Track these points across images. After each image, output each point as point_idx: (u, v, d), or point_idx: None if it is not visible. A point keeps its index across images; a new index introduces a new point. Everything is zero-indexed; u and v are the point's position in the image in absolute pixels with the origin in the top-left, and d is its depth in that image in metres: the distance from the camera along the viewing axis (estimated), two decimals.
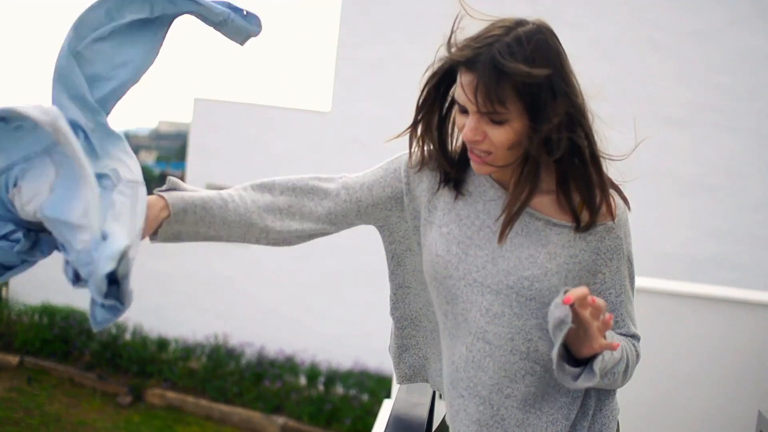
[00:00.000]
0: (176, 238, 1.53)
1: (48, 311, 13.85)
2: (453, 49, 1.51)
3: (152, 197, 1.47)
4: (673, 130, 10.78)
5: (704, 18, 10.65)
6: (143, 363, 12.90)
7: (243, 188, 1.75)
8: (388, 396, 4.41)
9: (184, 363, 12.84)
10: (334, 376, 11.98)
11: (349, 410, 11.39)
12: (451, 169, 1.63)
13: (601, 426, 1.66)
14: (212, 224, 1.56)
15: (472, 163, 1.54)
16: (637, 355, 1.65)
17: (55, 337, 13.49)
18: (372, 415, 11.01)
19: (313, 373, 12.05)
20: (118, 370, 13.09)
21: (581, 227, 1.55)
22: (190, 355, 12.95)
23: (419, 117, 1.64)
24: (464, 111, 1.48)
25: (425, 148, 1.67)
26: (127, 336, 13.51)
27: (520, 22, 1.50)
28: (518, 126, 1.44)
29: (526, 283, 1.54)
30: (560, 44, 1.52)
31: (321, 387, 12.02)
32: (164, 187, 1.53)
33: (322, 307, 12.81)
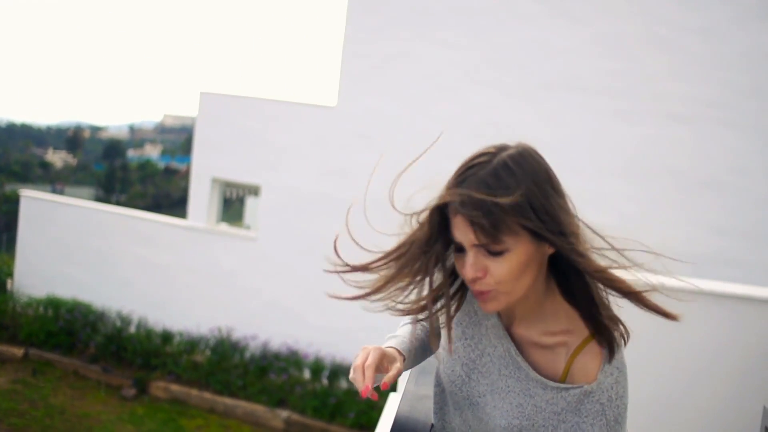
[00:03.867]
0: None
1: (53, 304, 13.89)
2: (440, 196, 1.46)
3: (392, 350, 1.67)
4: (677, 127, 10.78)
5: (709, 15, 10.65)
6: (147, 356, 12.93)
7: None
8: (394, 389, 4.43)
9: (188, 356, 12.87)
10: (338, 370, 12.00)
11: (352, 404, 11.41)
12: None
13: None
14: (421, 349, 1.81)
15: (480, 303, 1.48)
16: None
17: (60, 329, 13.52)
18: (376, 409, 11.03)
19: (317, 367, 12.07)
20: (123, 362, 13.13)
21: (558, 386, 1.52)
22: (194, 348, 12.97)
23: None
24: (461, 250, 1.45)
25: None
26: (132, 329, 13.55)
27: (502, 147, 1.45)
28: (521, 253, 1.40)
29: (515, 430, 1.54)
30: (546, 163, 1.46)
31: (325, 381, 12.04)
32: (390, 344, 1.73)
33: (327, 301, 12.82)
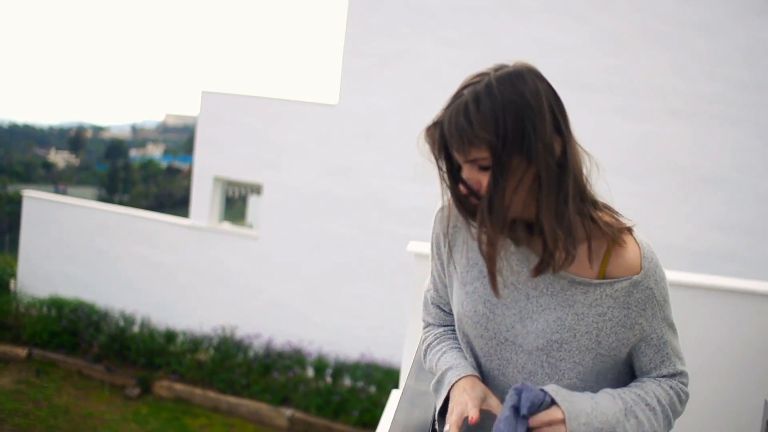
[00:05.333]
0: None
1: (56, 304, 13.89)
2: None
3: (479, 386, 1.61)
4: (677, 123, 10.78)
5: (709, 11, 10.64)
6: (151, 355, 12.94)
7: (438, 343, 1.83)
8: (396, 387, 4.44)
9: (191, 355, 12.88)
10: (341, 368, 12.00)
11: (356, 402, 11.41)
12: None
13: None
14: None
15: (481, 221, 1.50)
16: (679, 396, 1.63)
17: (64, 329, 13.53)
18: (380, 406, 11.04)
19: (320, 365, 12.07)
20: (126, 362, 13.14)
21: (605, 282, 1.54)
22: (197, 347, 12.98)
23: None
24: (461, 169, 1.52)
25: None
26: (135, 328, 13.56)
27: (498, 67, 1.49)
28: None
29: (555, 346, 1.54)
30: (542, 83, 1.47)
31: (329, 379, 12.05)
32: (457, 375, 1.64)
33: (330, 299, 12.85)
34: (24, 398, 12.07)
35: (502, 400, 1.59)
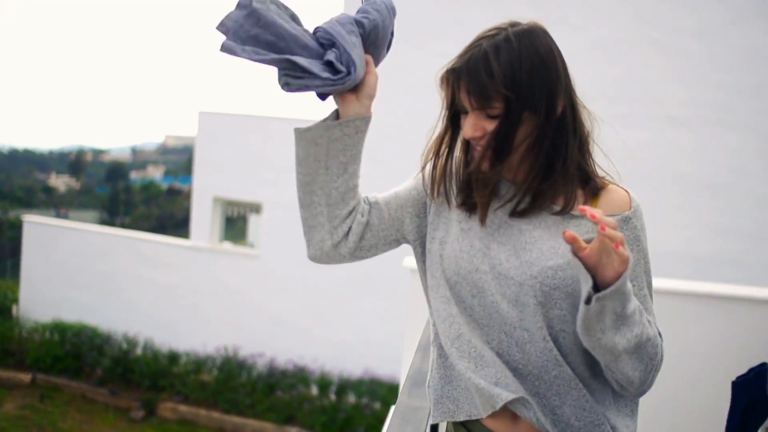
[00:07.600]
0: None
1: (59, 328, 13.90)
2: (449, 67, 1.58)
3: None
4: (677, 130, 10.78)
5: (705, 17, 10.66)
6: (155, 377, 12.92)
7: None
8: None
9: (195, 376, 12.86)
10: (345, 385, 11.98)
11: (361, 419, 11.38)
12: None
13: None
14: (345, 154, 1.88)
15: (479, 162, 1.58)
16: (660, 352, 1.59)
17: (67, 353, 13.53)
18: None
19: (324, 383, 12.05)
20: (130, 384, 13.12)
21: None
22: (201, 367, 12.97)
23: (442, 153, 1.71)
24: (466, 113, 1.57)
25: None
26: (138, 351, 13.55)
27: (513, 24, 1.58)
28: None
29: (550, 273, 1.56)
30: (553, 43, 1.58)
31: (333, 396, 12.02)
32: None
33: (332, 316, 12.82)
34: (29, 424, 12.05)
35: (494, 340, 1.62)
